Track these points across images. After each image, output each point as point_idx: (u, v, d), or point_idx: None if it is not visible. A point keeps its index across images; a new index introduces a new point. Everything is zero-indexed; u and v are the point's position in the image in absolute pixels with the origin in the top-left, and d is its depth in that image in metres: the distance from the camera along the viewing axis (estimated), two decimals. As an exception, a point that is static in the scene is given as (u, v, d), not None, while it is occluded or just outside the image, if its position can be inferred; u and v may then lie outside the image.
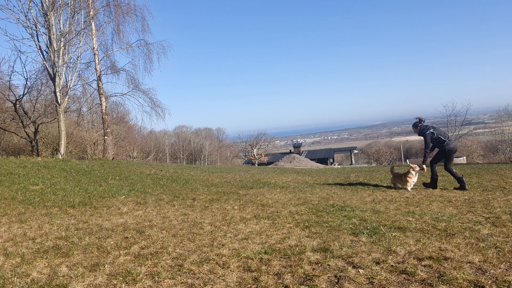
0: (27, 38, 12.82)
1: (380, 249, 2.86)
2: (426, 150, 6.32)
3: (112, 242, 3.30)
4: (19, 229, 3.84)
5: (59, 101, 13.13)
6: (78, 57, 14.02)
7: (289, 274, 2.42)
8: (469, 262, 2.49)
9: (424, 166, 6.36)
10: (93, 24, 15.40)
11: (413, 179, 6.35)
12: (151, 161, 30.83)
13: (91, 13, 14.88)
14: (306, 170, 14.68)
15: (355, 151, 52.05)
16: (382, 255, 2.71)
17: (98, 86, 16.00)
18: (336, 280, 2.29)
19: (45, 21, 12.66)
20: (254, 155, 44.06)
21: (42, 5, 12.55)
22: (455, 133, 31.79)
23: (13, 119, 16.91)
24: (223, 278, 2.40)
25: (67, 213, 4.70)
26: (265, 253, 2.86)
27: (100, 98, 16.23)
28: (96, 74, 15.94)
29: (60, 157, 12.48)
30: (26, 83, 16.21)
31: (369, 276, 2.32)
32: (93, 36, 15.57)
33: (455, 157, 22.37)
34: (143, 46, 17.09)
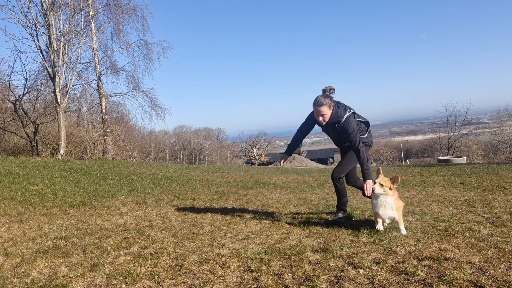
0: (27, 38, 12.83)
1: (380, 249, 2.86)
2: (362, 152, 3.50)
3: (112, 242, 3.29)
4: (19, 229, 3.84)
5: (58, 101, 13.12)
6: (78, 57, 14.02)
7: (289, 274, 2.41)
8: (469, 262, 2.48)
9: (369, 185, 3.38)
10: (93, 24, 15.39)
11: None
12: (151, 161, 30.82)
13: (91, 13, 14.88)
14: (306, 170, 14.68)
15: (355, 151, 51.99)
16: (382, 255, 2.71)
17: (98, 86, 15.99)
18: (336, 280, 2.29)
19: (45, 21, 12.65)
20: (254, 155, 44.04)
21: (42, 5, 12.55)
22: (455, 133, 31.81)
23: (13, 119, 16.91)
24: (223, 278, 2.40)
25: (67, 213, 4.70)
26: (265, 253, 2.85)
27: (100, 98, 16.22)
28: (96, 74, 15.93)
29: (60, 157, 12.47)
30: (26, 83, 16.23)
31: (369, 276, 2.31)
32: (93, 36, 15.56)
33: (456, 157, 21.90)
34: (143, 46, 17.08)
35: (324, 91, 3.63)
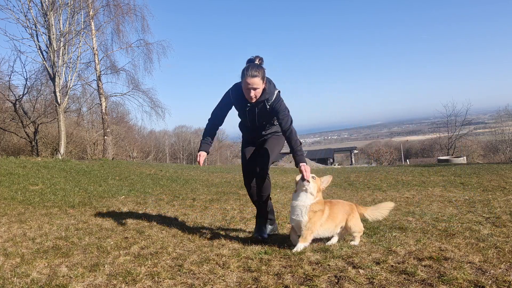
0: (27, 38, 12.86)
1: (380, 249, 2.86)
2: (295, 133, 3.11)
3: (112, 242, 3.29)
4: (19, 229, 3.84)
5: (58, 101, 13.13)
6: (78, 57, 14.05)
7: (289, 274, 2.41)
8: (469, 262, 2.48)
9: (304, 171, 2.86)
10: (92, 24, 15.40)
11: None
12: (151, 161, 30.82)
13: (91, 13, 14.88)
14: (306, 170, 14.63)
15: (355, 151, 52.06)
16: (382, 255, 2.71)
17: (98, 86, 16.00)
18: (336, 280, 2.29)
19: (45, 21, 12.66)
20: (254, 155, 43.95)
21: (42, 5, 12.56)
22: (455, 133, 31.82)
23: (12, 119, 16.92)
24: (223, 278, 2.40)
25: (67, 213, 4.70)
26: (265, 253, 2.85)
27: (100, 98, 16.24)
28: (96, 74, 15.94)
29: (60, 157, 12.47)
30: (26, 83, 16.25)
31: (369, 276, 2.31)
32: (93, 36, 15.57)
33: (456, 157, 21.79)
34: (143, 46, 17.11)
35: (252, 61, 3.02)
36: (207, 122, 3.27)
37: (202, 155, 3.15)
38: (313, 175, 2.91)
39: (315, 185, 2.89)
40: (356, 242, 3.05)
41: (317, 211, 2.85)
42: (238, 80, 3.11)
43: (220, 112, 3.24)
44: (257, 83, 2.91)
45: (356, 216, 3.07)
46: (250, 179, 3.31)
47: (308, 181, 2.85)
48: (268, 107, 3.07)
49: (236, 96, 3.12)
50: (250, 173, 3.29)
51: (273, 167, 19.63)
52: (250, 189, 3.34)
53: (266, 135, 3.32)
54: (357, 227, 3.05)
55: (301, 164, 2.90)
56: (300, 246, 2.85)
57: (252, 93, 2.93)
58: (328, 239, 3.07)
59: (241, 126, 3.44)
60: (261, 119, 3.19)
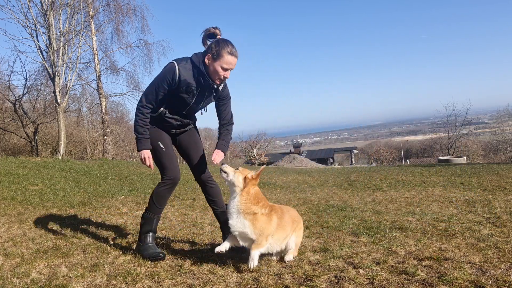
0: (27, 38, 12.87)
1: (381, 249, 2.86)
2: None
3: (112, 242, 3.29)
4: (19, 229, 3.84)
5: (58, 101, 13.13)
6: (77, 57, 14.05)
7: (289, 275, 2.41)
8: (470, 262, 2.48)
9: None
10: (92, 24, 15.39)
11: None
12: (151, 161, 30.74)
13: (91, 13, 14.87)
14: (306, 170, 14.68)
15: (355, 151, 52.07)
16: (383, 255, 2.71)
17: (98, 86, 16.00)
18: (336, 281, 2.29)
19: (45, 21, 12.67)
20: (254, 155, 44.02)
21: (42, 5, 12.56)
22: (455, 133, 31.83)
23: (12, 119, 16.92)
24: (223, 278, 2.40)
25: (67, 213, 4.69)
26: (265, 253, 2.85)
27: (99, 98, 16.24)
28: (96, 74, 15.93)
29: (60, 157, 12.48)
30: (26, 83, 16.24)
31: (370, 277, 2.31)
32: (93, 36, 15.56)
33: (456, 157, 21.74)
34: (142, 46, 17.09)
35: (213, 35, 2.68)
36: (141, 109, 2.70)
37: (148, 155, 2.75)
38: (241, 169, 2.58)
39: (235, 172, 2.52)
40: (290, 257, 2.65)
41: (257, 213, 2.42)
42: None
43: (158, 96, 2.70)
44: (235, 64, 2.63)
45: (301, 227, 2.78)
46: (174, 184, 2.89)
47: (220, 162, 2.62)
48: (220, 90, 2.79)
49: (187, 76, 2.63)
50: (178, 178, 2.89)
51: (273, 167, 19.59)
52: (169, 195, 2.95)
53: (190, 126, 3.01)
54: (298, 241, 2.74)
55: (216, 150, 2.77)
56: (255, 254, 2.43)
57: (227, 74, 2.64)
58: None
59: (168, 111, 2.81)
60: (204, 105, 2.88)
